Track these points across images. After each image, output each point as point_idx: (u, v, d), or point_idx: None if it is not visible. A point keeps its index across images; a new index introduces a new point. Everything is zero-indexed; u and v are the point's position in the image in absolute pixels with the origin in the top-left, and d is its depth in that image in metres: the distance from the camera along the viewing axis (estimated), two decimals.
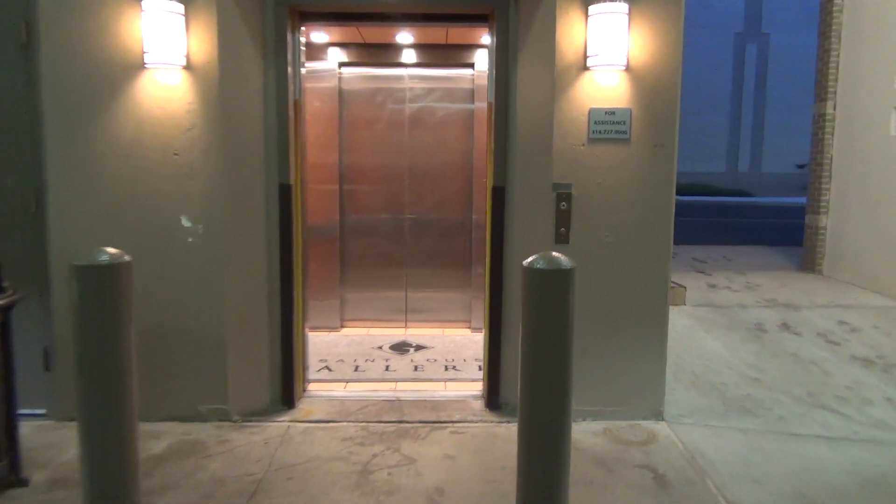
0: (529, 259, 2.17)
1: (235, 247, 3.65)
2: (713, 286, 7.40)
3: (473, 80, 5.71)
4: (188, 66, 3.47)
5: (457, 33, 5.12)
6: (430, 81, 5.79)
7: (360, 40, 5.42)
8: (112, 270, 2.14)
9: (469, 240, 5.86)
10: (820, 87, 8.11)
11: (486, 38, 5.30)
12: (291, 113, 3.77)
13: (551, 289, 2.09)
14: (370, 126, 5.81)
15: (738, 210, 19.79)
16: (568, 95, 3.56)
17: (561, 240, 3.62)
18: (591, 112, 3.56)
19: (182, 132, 3.51)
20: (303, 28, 3.89)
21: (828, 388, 4.46)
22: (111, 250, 2.22)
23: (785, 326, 5.87)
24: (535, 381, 2.24)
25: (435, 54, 5.66)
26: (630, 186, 3.61)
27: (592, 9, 3.46)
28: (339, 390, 4.29)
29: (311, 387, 4.30)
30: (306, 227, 4.21)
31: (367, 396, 4.13)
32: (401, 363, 4.88)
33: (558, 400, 2.28)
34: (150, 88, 3.48)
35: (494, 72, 3.75)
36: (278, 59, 3.71)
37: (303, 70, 3.94)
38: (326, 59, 5.64)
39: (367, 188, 5.89)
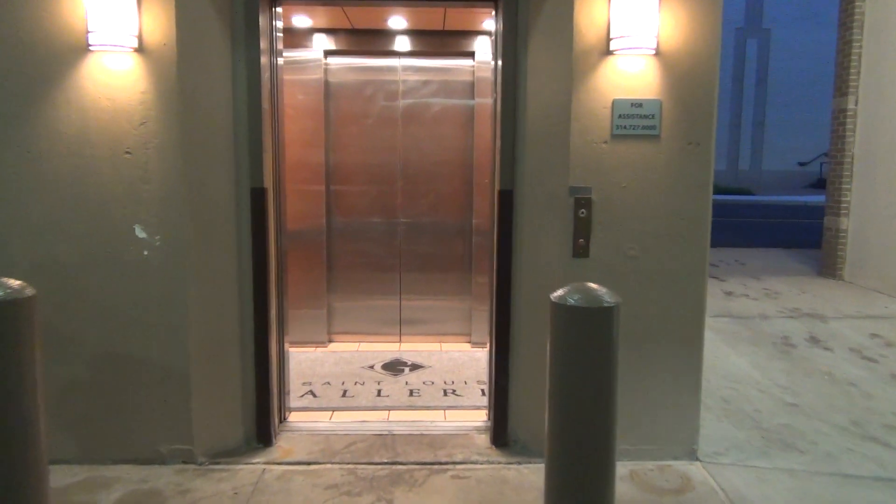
0: (560, 292, 1.66)
1: (200, 261, 3.12)
2: (729, 294, 6.91)
3: (474, 71, 5.19)
4: (141, 49, 2.94)
5: (456, 17, 4.60)
6: (426, 73, 5.27)
7: (347, 26, 4.89)
8: (9, 308, 1.62)
9: (468, 245, 5.34)
10: (840, 80, 7.62)
11: (488, 24, 4.79)
12: (266, 105, 3.24)
13: (590, 330, 1.58)
14: (359, 122, 5.29)
15: (746, 209, 19.30)
16: (587, 85, 3.04)
17: (579, 252, 3.11)
18: (615, 104, 3.04)
19: (135, 127, 2.98)
20: (279, 9, 3.36)
21: (873, 414, 3.96)
22: (11, 282, 1.70)
23: (814, 340, 5.38)
24: (569, 433, 1.73)
25: (431, 42, 5.13)
26: (660, 190, 3.10)
27: None
28: (324, 421, 3.77)
29: (293, 417, 3.78)
30: (288, 234, 3.71)
31: (355, 430, 3.61)
32: (394, 387, 4.37)
33: (596, 458, 1.77)
34: (97, 75, 2.95)
35: (501, 59, 3.23)
36: (250, 41, 3.18)
37: (280, 61, 3.41)
38: (310, 48, 5.11)
39: (357, 189, 5.36)
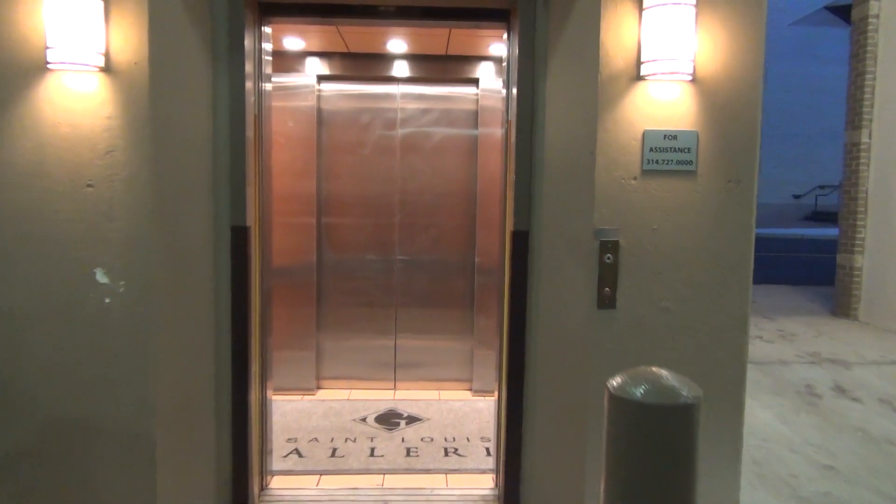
0: (620, 381, 1.29)
1: (170, 309, 2.72)
2: None
3: (477, 99, 4.87)
4: (108, 68, 2.57)
5: (460, 41, 4.28)
6: (426, 101, 4.94)
7: (343, 49, 4.56)
8: None
9: (470, 284, 4.96)
10: (853, 113, 7.36)
11: (495, 48, 4.47)
12: (251, 133, 2.88)
13: (665, 433, 1.19)
14: (355, 151, 4.94)
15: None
16: (615, 114, 2.69)
17: (605, 304, 2.73)
18: (646, 136, 2.69)
19: (99, 156, 2.60)
20: (268, 30, 3.02)
21: None
22: None
23: (839, 390, 5.00)
24: None
25: (432, 67, 4.82)
26: (696, 234, 2.74)
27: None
28: (310, 487, 3.34)
29: (276, 482, 3.35)
30: (274, 270, 3.32)
31: (345, 498, 3.19)
32: (389, 444, 3.94)
33: None
34: (57, 97, 2.57)
35: (517, 85, 2.90)
36: (233, 63, 2.82)
37: (268, 86, 3.07)
38: (303, 72, 4.77)
39: (351, 222, 5.00)
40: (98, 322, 2.64)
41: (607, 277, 2.73)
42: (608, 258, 2.72)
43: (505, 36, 3.16)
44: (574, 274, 2.79)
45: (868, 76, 7.13)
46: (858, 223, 7.31)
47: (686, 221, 2.73)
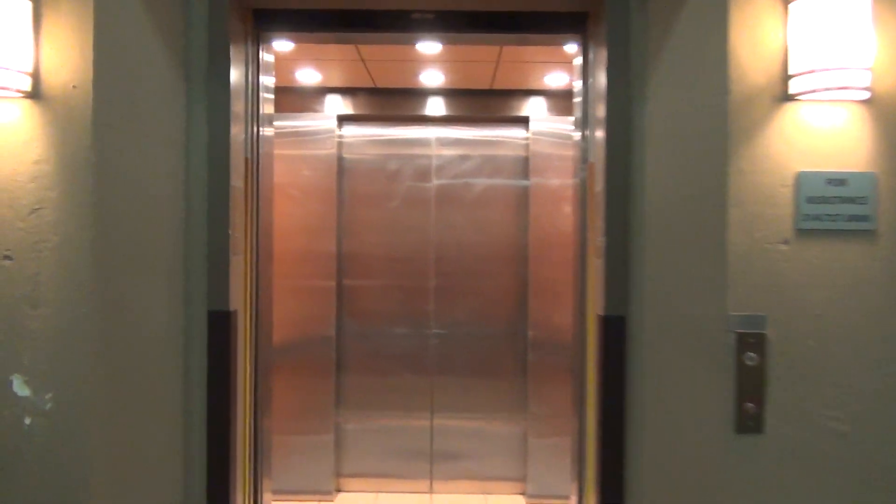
0: None
1: (115, 433, 1.91)
2: None
3: (528, 144, 4.10)
4: (37, 94, 1.84)
5: (510, 69, 3.54)
6: (466, 146, 4.23)
7: (367, 83, 3.85)
8: None
9: (522, 364, 4.12)
10: None
11: (551, 78, 3.70)
12: (238, 182, 2.12)
13: None
14: (381, 204, 4.21)
15: None
16: (753, 149, 1.87)
17: (748, 425, 1.85)
18: (801, 180, 1.86)
19: (21, 216, 1.85)
20: (268, 58, 2.30)
21: None
22: None
23: None
24: None
25: (474, 104, 4.09)
26: (879, 320, 1.87)
27: None
28: None
29: None
30: (281, 347, 2.53)
31: None
32: None
33: None
34: None
35: (605, 112, 2.10)
36: (215, 85, 2.08)
37: (268, 109, 2.32)
38: (321, 111, 4.06)
39: (376, 285, 4.22)
40: (13, 452, 1.84)
41: (750, 387, 1.86)
42: (750, 358, 1.86)
43: (576, 51, 2.39)
44: (698, 380, 1.93)
45: None
46: None
47: (863, 303, 1.86)
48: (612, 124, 2.08)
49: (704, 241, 1.92)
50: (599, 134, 2.14)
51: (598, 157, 2.15)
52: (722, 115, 1.87)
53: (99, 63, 1.84)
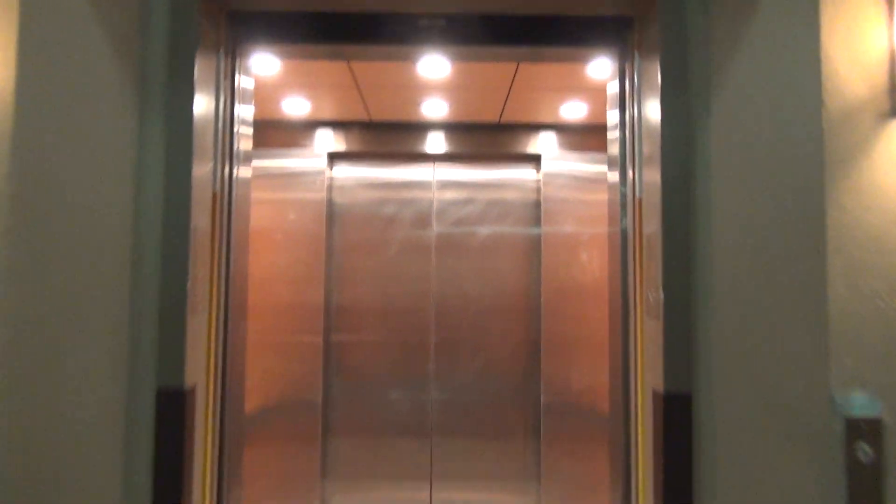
0: None
1: None
2: None
3: (539, 186, 3.72)
4: None
5: (522, 98, 3.16)
6: (470, 188, 3.82)
7: (362, 115, 3.47)
8: None
9: (535, 435, 3.63)
10: None
11: (566, 109, 3.32)
12: (202, 221, 1.68)
13: None
14: (375, 252, 3.79)
15: None
16: (857, 179, 1.47)
17: None
18: None
19: None
20: (246, 81, 1.90)
21: None
22: None
23: None
24: None
25: (479, 140, 3.72)
26: None
27: None
28: None
29: None
30: (255, 414, 2.05)
31: None
32: None
33: None
34: None
35: (660, 133, 1.70)
36: (177, 96, 1.67)
37: (245, 129, 1.91)
38: (310, 147, 3.67)
39: (368, 341, 3.77)
40: None
41: (864, 487, 1.41)
42: (863, 452, 1.41)
43: (610, 74, 2.01)
44: (791, 480, 1.48)
45: None
46: None
47: None
48: (668, 149, 1.68)
49: (796, 298, 1.50)
50: (651, 161, 1.73)
51: (648, 192, 1.74)
52: (815, 138, 1.48)
53: (24, 66, 1.43)
